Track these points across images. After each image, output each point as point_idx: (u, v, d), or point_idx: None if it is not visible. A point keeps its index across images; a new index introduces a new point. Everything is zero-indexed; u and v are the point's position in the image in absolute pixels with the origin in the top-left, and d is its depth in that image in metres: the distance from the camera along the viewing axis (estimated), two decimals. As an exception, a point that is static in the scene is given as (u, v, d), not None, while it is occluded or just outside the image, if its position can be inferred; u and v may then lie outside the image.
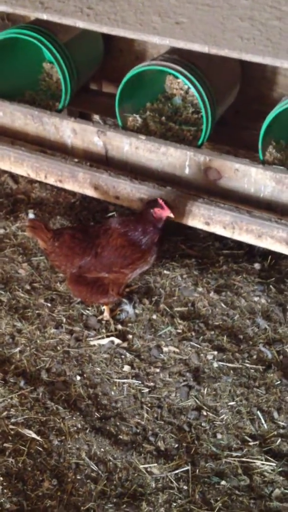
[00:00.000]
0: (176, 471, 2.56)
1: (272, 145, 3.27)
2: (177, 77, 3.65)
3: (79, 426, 2.71)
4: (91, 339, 3.08)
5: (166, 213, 2.85)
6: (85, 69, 3.96)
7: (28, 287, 3.34)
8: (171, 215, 2.86)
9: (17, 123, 3.59)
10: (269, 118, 3.08)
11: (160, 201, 2.84)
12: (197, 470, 2.58)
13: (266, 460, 2.60)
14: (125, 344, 3.06)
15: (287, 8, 2.82)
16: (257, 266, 3.50)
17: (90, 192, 3.37)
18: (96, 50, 4.09)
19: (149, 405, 2.81)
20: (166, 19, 2.93)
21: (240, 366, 2.95)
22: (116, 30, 2.98)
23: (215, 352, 3.00)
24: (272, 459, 2.60)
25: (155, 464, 2.58)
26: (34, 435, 2.68)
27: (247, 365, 2.96)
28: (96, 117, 4.55)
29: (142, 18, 2.96)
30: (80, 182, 3.35)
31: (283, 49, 2.69)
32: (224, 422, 2.75)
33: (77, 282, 3.01)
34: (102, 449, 2.64)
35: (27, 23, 3.78)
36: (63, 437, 2.67)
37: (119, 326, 3.15)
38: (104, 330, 3.13)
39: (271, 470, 2.58)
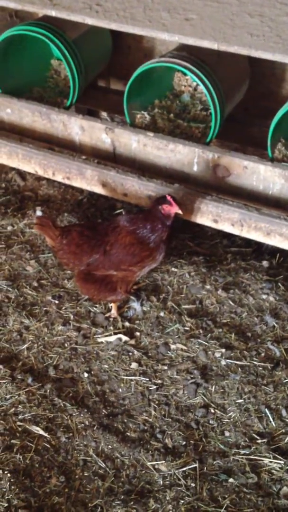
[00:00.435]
0: (184, 469, 2.56)
1: (281, 142, 3.25)
2: (185, 74, 3.64)
3: (87, 423, 2.71)
4: (99, 336, 3.08)
5: (175, 209, 2.84)
6: (93, 66, 3.96)
7: (35, 284, 3.34)
8: (180, 212, 2.85)
9: (25, 120, 3.59)
10: (279, 115, 3.06)
11: (169, 197, 2.83)
12: (205, 468, 2.57)
13: (274, 458, 2.60)
14: (132, 342, 3.06)
15: (297, 4, 2.80)
16: (265, 263, 3.49)
17: (98, 190, 3.36)
18: (104, 47, 4.08)
19: (156, 402, 2.81)
20: (175, 16, 2.91)
21: (248, 364, 2.94)
22: (125, 26, 2.97)
23: (223, 350, 2.99)
24: (280, 457, 2.60)
25: (163, 461, 2.58)
26: (41, 432, 2.68)
27: (255, 363, 2.95)
28: (104, 114, 4.55)
29: (151, 14, 2.95)
30: (88, 179, 3.35)
31: (293, 46, 2.67)
32: (232, 420, 2.74)
33: (85, 280, 3.00)
34: (109, 446, 2.64)
35: (35, 20, 3.77)
36: (71, 434, 2.67)
37: (127, 324, 3.15)
38: (111, 327, 3.12)
39: (279, 468, 2.57)
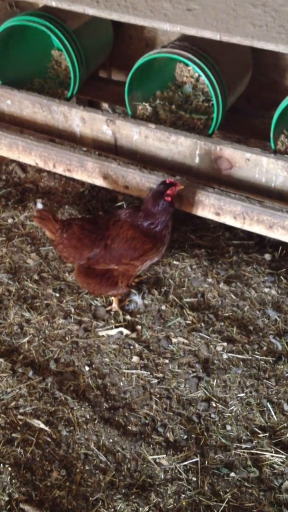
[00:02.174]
0: (185, 463, 2.55)
1: (284, 134, 3.22)
2: (187, 65, 3.60)
3: (88, 416, 2.70)
4: (100, 329, 3.07)
5: (178, 186, 2.86)
6: (94, 57, 3.92)
7: (36, 277, 3.33)
8: (182, 186, 2.89)
9: (26, 111, 3.56)
10: (282, 107, 3.03)
11: (168, 180, 2.87)
12: (206, 462, 2.57)
13: (276, 452, 2.59)
14: (134, 335, 3.05)
15: (300, -6, 2.76)
16: (267, 256, 3.47)
17: (99, 182, 3.34)
18: (105, 37, 4.04)
19: (158, 396, 2.80)
20: (177, 6, 2.88)
21: (250, 357, 2.93)
22: (126, 17, 2.94)
23: (225, 343, 2.98)
24: (281, 451, 2.59)
25: (164, 455, 2.58)
26: (42, 426, 2.67)
27: (257, 356, 2.94)
28: (105, 105, 4.51)
29: (152, 4, 2.91)
30: (89, 172, 3.32)
31: (296, 36, 2.64)
32: (233, 414, 2.73)
33: (85, 274, 2.98)
34: (110, 440, 2.63)
35: (36, 10, 3.73)
36: (72, 428, 2.67)
37: (128, 317, 3.13)
38: (113, 321, 3.11)
39: (281, 462, 2.56)
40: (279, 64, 3.75)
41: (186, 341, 3.01)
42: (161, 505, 2.42)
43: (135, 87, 3.42)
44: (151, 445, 2.61)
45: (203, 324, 3.08)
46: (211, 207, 3.07)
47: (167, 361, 2.93)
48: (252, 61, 3.71)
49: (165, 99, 3.55)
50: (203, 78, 3.29)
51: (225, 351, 2.96)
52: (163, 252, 2.97)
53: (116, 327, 3.08)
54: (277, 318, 3.12)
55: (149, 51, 3.42)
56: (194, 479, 2.51)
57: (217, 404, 2.76)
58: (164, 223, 2.89)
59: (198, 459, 2.56)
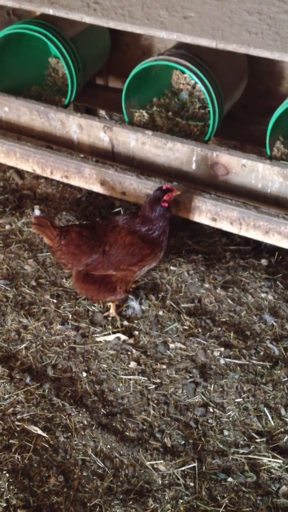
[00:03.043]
0: (183, 468, 2.55)
1: (280, 140, 3.24)
2: (184, 72, 3.63)
3: (85, 422, 2.71)
4: (97, 335, 3.08)
5: (174, 192, 2.89)
6: (91, 64, 3.94)
7: (34, 283, 3.33)
8: (179, 192, 2.91)
9: (23, 118, 3.57)
10: (277, 113, 3.05)
11: (164, 186, 2.89)
12: (204, 467, 2.57)
13: (273, 457, 2.59)
14: (131, 341, 3.05)
15: (295, 2, 2.79)
16: (264, 262, 3.48)
17: (96, 188, 3.36)
18: (102, 45, 4.07)
19: (155, 401, 2.80)
20: (173, 14, 2.90)
21: (247, 362, 2.94)
22: (123, 25, 2.96)
23: (222, 349, 2.99)
24: (279, 456, 2.59)
25: (162, 461, 2.58)
26: (40, 432, 2.67)
27: (254, 361, 2.94)
28: (102, 112, 4.53)
29: (149, 12, 2.94)
30: (86, 178, 3.34)
31: (291, 43, 2.66)
32: (231, 419, 2.74)
33: (84, 281, 2.99)
34: (108, 446, 2.63)
35: (33, 18, 3.76)
36: (69, 434, 2.67)
37: (125, 323, 3.14)
38: (110, 327, 3.12)
39: (278, 467, 2.57)
40: (275, 71, 3.78)
41: (183, 346, 3.02)
42: (159, 511, 2.42)
43: (132, 94, 3.44)
44: (149, 451, 2.61)
45: (200, 330, 3.08)
46: (207, 212, 3.09)
47: (164, 366, 2.94)
48: (247, 68, 3.74)
49: (162, 106, 3.57)
50: (199, 85, 3.31)
51: (222, 356, 2.96)
52: (160, 257, 2.99)
53: (114, 332, 3.08)
54: (274, 323, 3.13)
55: (145, 58, 3.44)
56: (192, 484, 2.51)
57: (215, 410, 2.77)
58: (161, 229, 2.91)
59: (195, 464, 2.56)
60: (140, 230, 2.90)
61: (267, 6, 2.80)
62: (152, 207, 2.88)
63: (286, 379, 2.88)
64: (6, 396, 2.79)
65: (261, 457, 2.59)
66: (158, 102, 3.61)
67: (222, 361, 2.94)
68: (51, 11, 3.13)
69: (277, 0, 2.79)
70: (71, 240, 2.91)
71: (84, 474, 2.55)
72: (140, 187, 3.18)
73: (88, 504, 2.44)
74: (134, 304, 3.19)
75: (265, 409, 2.76)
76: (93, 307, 3.21)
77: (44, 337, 3.07)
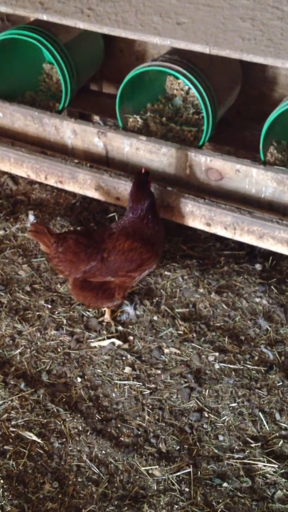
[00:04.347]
0: (178, 473, 2.55)
1: (273, 145, 3.25)
2: (177, 78, 3.64)
3: (80, 428, 2.70)
4: (92, 340, 3.07)
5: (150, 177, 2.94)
6: (85, 70, 3.95)
7: (28, 288, 3.33)
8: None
9: (17, 124, 3.58)
10: (271, 119, 3.07)
11: (143, 169, 2.92)
12: (199, 472, 2.56)
13: (268, 461, 2.59)
14: (126, 346, 3.05)
15: (288, 8, 2.81)
16: (258, 267, 3.49)
17: (90, 193, 3.36)
18: (96, 51, 4.08)
19: (150, 407, 2.80)
20: (167, 20, 2.92)
21: (242, 367, 2.94)
22: (117, 30, 2.97)
23: (217, 354, 2.99)
24: (274, 461, 2.59)
25: (157, 466, 2.57)
26: (34, 438, 2.67)
27: (249, 366, 2.95)
28: (97, 118, 4.54)
29: (142, 18, 2.95)
30: (80, 183, 3.34)
31: (284, 49, 2.68)
32: (225, 424, 2.73)
33: (81, 288, 2.97)
34: (103, 451, 2.62)
35: (27, 24, 3.77)
36: (64, 439, 2.66)
37: (120, 328, 3.14)
38: (105, 332, 3.11)
39: (273, 471, 2.57)
40: (268, 77, 3.80)
41: (178, 351, 3.02)
42: (154, 517, 2.42)
43: (126, 99, 3.45)
44: (144, 456, 2.61)
45: (195, 334, 3.08)
46: (202, 217, 3.09)
47: (159, 371, 2.94)
48: (241, 74, 3.76)
49: (156, 112, 3.59)
50: (193, 91, 3.32)
51: (217, 361, 2.97)
52: (160, 254, 2.98)
53: (108, 338, 3.08)
54: (268, 328, 3.14)
55: (139, 64, 3.45)
56: (187, 489, 2.50)
57: (209, 415, 2.77)
58: (151, 212, 2.90)
59: (190, 469, 2.56)
60: (133, 221, 2.88)
61: (260, 13, 2.82)
62: (140, 189, 2.88)
63: (280, 383, 2.88)
64: (0, 402, 2.78)
65: (256, 462, 2.59)
66: (152, 107, 3.62)
67: (216, 366, 2.95)
68: (45, 17, 3.14)
69: (270, 6, 2.81)
70: (68, 248, 2.89)
71: (79, 480, 2.54)
72: (135, 192, 3.18)
73: (83, 510, 2.44)
74: (129, 309, 3.19)
75: (260, 413, 2.76)
76: (87, 312, 3.21)
77: (38, 343, 3.06)
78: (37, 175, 3.45)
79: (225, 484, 2.53)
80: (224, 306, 3.24)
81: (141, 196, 2.89)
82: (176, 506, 2.44)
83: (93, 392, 2.86)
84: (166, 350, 3.03)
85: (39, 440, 2.66)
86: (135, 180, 2.91)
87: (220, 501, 2.47)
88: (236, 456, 2.62)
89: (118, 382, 2.89)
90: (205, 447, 2.66)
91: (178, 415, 2.77)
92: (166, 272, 3.40)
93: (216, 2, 2.90)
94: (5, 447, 2.63)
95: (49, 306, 3.23)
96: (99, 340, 3.07)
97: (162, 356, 3.01)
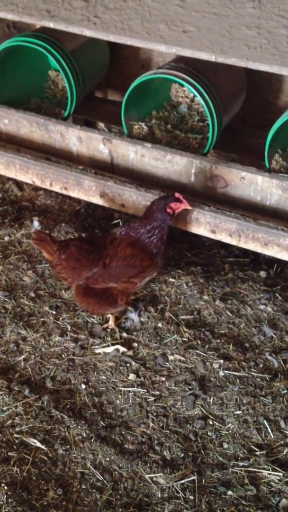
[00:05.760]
0: (182, 481, 2.54)
1: (278, 153, 3.26)
2: (183, 85, 3.66)
3: (84, 435, 2.69)
4: (96, 347, 3.07)
5: (184, 205, 2.88)
6: (91, 77, 3.97)
7: (33, 294, 3.33)
8: (189, 207, 2.90)
9: (23, 130, 3.59)
10: (276, 126, 3.07)
11: (177, 194, 2.87)
12: (203, 480, 2.55)
13: (273, 469, 2.58)
14: (130, 352, 3.05)
15: (293, 17, 2.82)
16: (263, 274, 3.49)
17: (95, 200, 3.36)
18: (102, 58, 4.10)
19: (154, 414, 2.79)
20: (172, 28, 2.93)
21: (247, 374, 2.93)
22: (123, 38, 2.98)
23: (221, 361, 2.98)
24: (279, 469, 2.58)
25: (161, 474, 2.56)
26: (38, 444, 2.66)
27: (254, 373, 2.94)
28: (102, 125, 4.55)
29: (148, 26, 2.97)
30: (85, 190, 3.35)
31: (290, 58, 2.69)
32: (230, 432, 2.73)
33: (85, 294, 2.97)
34: (107, 458, 2.62)
35: (33, 31, 3.79)
36: (68, 446, 2.65)
37: (124, 334, 3.14)
38: (109, 338, 3.11)
39: (278, 480, 2.55)
40: (273, 85, 3.81)
41: (182, 358, 3.02)
42: (158, 524, 2.41)
43: (131, 107, 3.46)
44: (148, 464, 2.60)
45: (199, 342, 3.08)
46: (206, 224, 3.09)
47: (163, 378, 2.93)
48: (246, 82, 3.77)
49: (161, 119, 3.60)
50: (198, 98, 3.33)
51: (221, 368, 2.96)
52: (161, 264, 2.98)
53: (113, 344, 3.08)
54: (273, 335, 3.13)
55: (144, 71, 3.47)
56: (191, 497, 2.49)
57: (214, 422, 2.76)
58: (161, 233, 2.89)
59: (195, 477, 2.55)
60: (141, 238, 2.88)
61: (265, 21, 2.83)
62: (158, 207, 2.87)
63: (285, 391, 2.87)
64: (4, 408, 2.78)
65: (261, 470, 2.58)
66: (157, 115, 3.63)
67: (221, 373, 2.94)
68: (51, 24, 3.16)
69: (275, 15, 2.82)
70: (71, 254, 2.89)
71: (83, 487, 2.53)
72: (139, 199, 3.19)
73: (87, 518, 2.43)
74: (133, 316, 3.19)
75: (265, 421, 2.75)
76: (92, 319, 3.21)
77: (43, 349, 3.06)
78: (42, 182, 3.46)
79: (229, 492, 2.51)
80: (228, 313, 3.24)
81: (156, 216, 2.88)
82: (181, 514, 2.43)
83: (97, 399, 2.86)
84: (170, 357, 3.02)
85: (43, 447, 2.65)
86: (160, 198, 2.91)
87: (225, 509, 2.46)
88: (241, 464, 2.61)
89: (123, 389, 2.88)
90: (210, 455, 2.65)
91: (183, 422, 2.77)
92: (170, 279, 3.40)
93: (221, 10, 2.91)
94: (9, 453, 2.62)
95: (54, 312, 3.23)
96: (104, 347, 3.07)
97: (166, 363, 3.00)
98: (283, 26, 2.78)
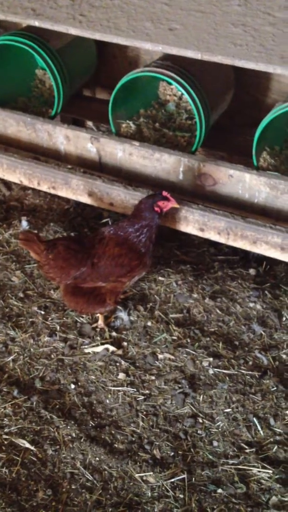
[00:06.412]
0: (172, 480, 2.53)
1: (266, 151, 3.26)
2: (170, 84, 3.65)
3: (74, 435, 2.68)
4: (86, 346, 3.06)
5: (172, 203, 2.86)
6: (78, 76, 3.96)
7: (21, 294, 3.32)
8: (177, 205, 2.89)
9: (10, 130, 3.57)
10: (263, 124, 3.08)
11: (165, 193, 2.86)
12: (193, 478, 2.55)
13: (263, 467, 2.58)
14: (120, 352, 3.04)
15: (280, 14, 2.82)
16: (252, 271, 3.49)
17: (84, 199, 3.35)
18: (89, 57, 4.08)
19: (144, 413, 2.79)
20: (158, 26, 2.92)
21: (236, 372, 2.93)
22: (109, 36, 2.97)
23: (211, 359, 2.98)
24: (268, 466, 2.58)
25: (151, 473, 2.56)
26: (28, 445, 2.65)
27: (243, 371, 2.94)
28: (90, 123, 4.54)
29: (134, 24, 2.96)
30: (73, 189, 3.33)
31: (276, 55, 2.69)
32: (220, 430, 2.72)
33: (73, 294, 2.95)
34: (97, 458, 2.61)
35: (19, 30, 3.77)
36: (58, 447, 2.64)
37: (114, 334, 3.13)
38: (98, 338, 3.10)
39: (268, 477, 2.56)
40: (261, 82, 3.81)
41: (172, 357, 3.01)
42: (149, 524, 2.40)
43: (119, 105, 3.45)
44: (138, 463, 2.59)
45: (189, 340, 3.08)
46: (195, 223, 3.09)
47: (153, 377, 2.93)
48: (234, 80, 3.77)
49: (149, 117, 3.59)
50: (186, 96, 3.33)
51: (211, 366, 2.96)
52: (149, 264, 2.97)
53: (102, 344, 3.07)
54: (262, 333, 3.13)
55: (132, 70, 3.46)
56: (182, 496, 2.49)
57: (204, 420, 2.76)
58: (150, 232, 2.88)
59: (185, 476, 2.55)
60: (129, 237, 2.87)
61: (251, 19, 2.83)
62: (146, 206, 2.85)
63: (275, 388, 2.88)
64: (-7, 410, 2.76)
65: (250, 468, 2.58)
66: (145, 113, 3.62)
67: (211, 371, 2.94)
68: (36, 23, 3.14)
69: (261, 12, 2.82)
70: (58, 254, 2.87)
71: (73, 487, 2.52)
72: (128, 198, 3.19)
73: (77, 518, 2.42)
74: (123, 315, 3.18)
75: (254, 419, 2.76)
76: (81, 318, 3.20)
77: (31, 349, 3.04)
78: (30, 181, 3.45)
79: (219, 490, 2.51)
80: (218, 311, 3.23)
81: (144, 215, 2.87)
82: (171, 513, 2.43)
83: (87, 398, 2.85)
84: (160, 356, 3.02)
85: (32, 448, 2.64)
86: (148, 196, 2.90)
87: (215, 507, 2.46)
88: (231, 462, 2.61)
89: (112, 388, 2.87)
90: (200, 453, 2.64)
91: (173, 421, 2.76)
92: (160, 278, 3.40)
93: (207, 8, 2.91)
94: (-2, 454, 2.61)
95: (42, 313, 3.22)
96: (93, 346, 3.06)
97: (156, 362, 3.00)
98: (269, 24, 2.78)
